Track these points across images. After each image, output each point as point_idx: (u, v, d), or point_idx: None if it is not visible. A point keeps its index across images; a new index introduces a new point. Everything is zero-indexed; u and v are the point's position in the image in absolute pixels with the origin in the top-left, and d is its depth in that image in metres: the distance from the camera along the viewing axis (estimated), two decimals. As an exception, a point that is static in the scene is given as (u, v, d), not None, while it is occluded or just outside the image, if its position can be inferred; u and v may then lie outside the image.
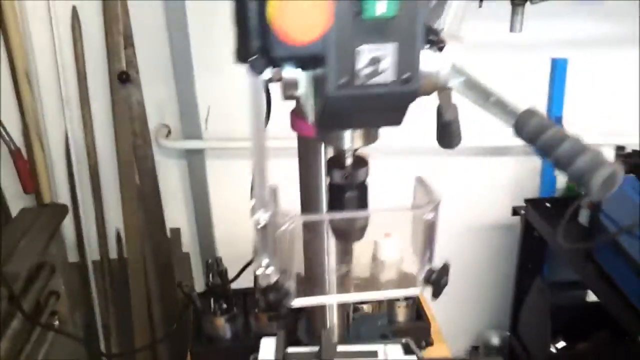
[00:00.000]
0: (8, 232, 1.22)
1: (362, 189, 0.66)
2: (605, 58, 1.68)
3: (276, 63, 0.50)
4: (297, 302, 0.67)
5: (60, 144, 1.72)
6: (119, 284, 1.77)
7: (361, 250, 0.79)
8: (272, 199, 0.62)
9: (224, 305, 1.24)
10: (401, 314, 1.31)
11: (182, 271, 1.79)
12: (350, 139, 0.62)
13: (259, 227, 0.61)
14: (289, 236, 0.62)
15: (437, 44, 0.59)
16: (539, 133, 0.52)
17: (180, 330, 1.36)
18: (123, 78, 1.61)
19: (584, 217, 1.49)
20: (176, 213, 1.85)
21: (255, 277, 0.69)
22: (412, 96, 0.53)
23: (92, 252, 1.77)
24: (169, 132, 1.75)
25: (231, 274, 1.19)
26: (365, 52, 0.48)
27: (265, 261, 0.63)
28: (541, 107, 1.63)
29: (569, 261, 1.46)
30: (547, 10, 1.46)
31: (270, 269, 0.64)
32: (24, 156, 1.65)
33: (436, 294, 0.68)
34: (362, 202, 0.66)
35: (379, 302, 1.22)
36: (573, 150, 0.49)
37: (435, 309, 1.72)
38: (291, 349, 0.88)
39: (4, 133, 1.61)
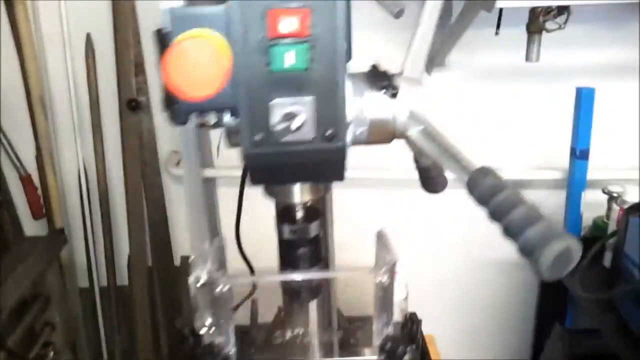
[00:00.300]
0: (5, 262, 1.21)
1: (314, 243, 0.60)
2: (632, 86, 1.57)
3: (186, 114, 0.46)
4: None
5: (73, 170, 1.72)
6: (126, 311, 1.75)
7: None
8: (218, 254, 0.58)
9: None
10: (404, 360, 1.23)
11: (188, 302, 1.76)
12: (297, 192, 0.57)
13: (197, 285, 0.56)
14: (228, 296, 0.57)
15: (391, 89, 0.53)
16: (491, 195, 0.45)
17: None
18: (133, 105, 1.61)
19: (607, 260, 1.38)
20: (186, 241, 1.83)
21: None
22: (340, 154, 0.47)
23: (101, 278, 1.76)
24: (180, 160, 1.74)
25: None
26: (279, 107, 0.43)
27: (206, 321, 0.58)
28: (565, 139, 1.54)
29: (587, 310, 1.35)
30: (567, 37, 1.38)
31: (209, 330, 0.58)
32: (33, 182, 1.66)
33: (398, 360, 0.61)
34: (313, 259, 0.60)
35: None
36: (525, 219, 0.42)
37: (450, 348, 1.64)
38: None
39: (14, 159, 1.62)
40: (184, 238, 1.83)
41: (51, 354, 1.30)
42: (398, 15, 0.75)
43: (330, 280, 0.63)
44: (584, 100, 1.49)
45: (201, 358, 0.59)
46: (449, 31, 1.31)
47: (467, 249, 1.85)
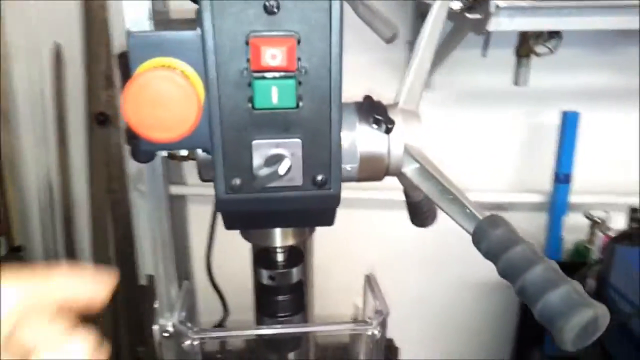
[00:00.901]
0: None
1: (295, 290, 0.54)
2: (617, 111, 1.56)
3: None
4: None
5: (35, 184, 1.63)
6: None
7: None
8: (187, 299, 0.51)
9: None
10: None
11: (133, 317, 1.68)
12: (278, 236, 0.51)
13: (164, 335, 0.50)
14: (197, 352, 0.50)
15: (385, 123, 0.47)
16: (503, 249, 0.40)
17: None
18: (101, 119, 1.53)
19: (590, 287, 1.34)
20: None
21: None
22: (332, 201, 0.41)
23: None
24: (150, 176, 1.66)
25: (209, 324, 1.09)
26: (261, 149, 0.37)
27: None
28: (549, 164, 1.51)
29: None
30: (555, 61, 1.36)
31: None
32: (-7, 197, 1.57)
33: None
34: (295, 307, 0.54)
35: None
36: (545, 280, 0.37)
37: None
38: None
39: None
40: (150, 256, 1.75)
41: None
42: (391, 40, 0.70)
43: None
44: (568, 124, 1.47)
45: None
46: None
47: (445, 270, 1.81)
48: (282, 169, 0.36)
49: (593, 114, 1.49)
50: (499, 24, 0.99)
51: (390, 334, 0.66)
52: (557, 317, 0.35)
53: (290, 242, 0.51)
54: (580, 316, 0.34)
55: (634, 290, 1.09)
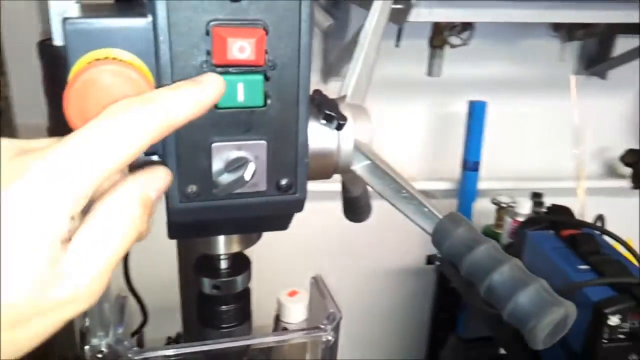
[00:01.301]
0: None
1: (241, 298, 0.51)
2: (523, 101, 1.64)
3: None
4: None
5: None
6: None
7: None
8: (119, 317, 0.46)
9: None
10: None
11: (63, 336, 1.56)
12: (223, 244, 0.47)
13: (98, 357, 0.45)
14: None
15: (337, 119, 0.45)
16: (466, 250, 0.39)
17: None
18: (-12, 111, 1.38)
19: (500, 270, 1.41)
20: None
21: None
22: (296, 206, 0.38)
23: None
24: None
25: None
26: (222, 152, 0.34)
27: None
28: (458, 151, 1.57)
29: (484, 318, 1.37)
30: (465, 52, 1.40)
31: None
32: None
33: None
34: (240, 316, 0.51)
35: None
36: (513, 280, 0.37)
37: (347, 354, 1.60)
38: None
39: None
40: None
41: None
42: (328, 29, 0.67)
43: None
44: (476, 113, 1.53)
45: None
46: (350, 40, 1.26)
47: (356, 261, 1.83)
48: (247, 174, 0.33)
49: (500, 103, 1.56)
50: (418, 14, 1.01)
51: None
52: (529, 317, 0.35)
53: (236, 249, 0.47)
54: (552, 316, 0.34)
55: (544, 271, 1.16)
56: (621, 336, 0.98)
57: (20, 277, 0.24)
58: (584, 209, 1.44)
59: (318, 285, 0.56)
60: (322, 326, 0.50)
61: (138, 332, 0.97)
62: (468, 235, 0.40)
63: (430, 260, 1.60)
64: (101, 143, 0.26)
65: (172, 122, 0.28)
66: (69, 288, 0.25)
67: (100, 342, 0.44)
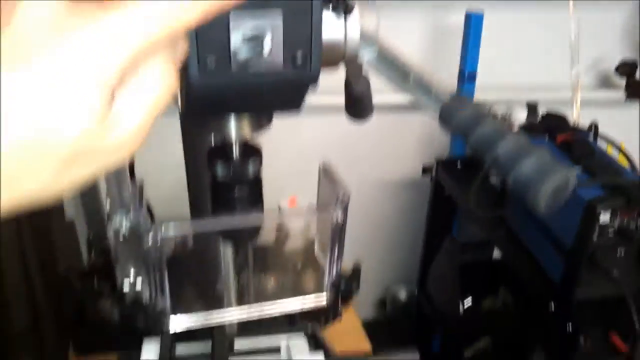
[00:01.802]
0: None
1: (254, 185, 0.53)
2: (521, 12, 1.62)
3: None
4: (177, 325, 0.55)
5: None
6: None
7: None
8: (137, 199, 0.48)
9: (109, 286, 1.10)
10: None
11: (66, 243, 1.60)
12: (236, 127, 0.49)
13: (120, 237, 0.47)
14: (159, 247, 0.48)
15: (343, 5, 0.45)
16: (472, 126, 0.41)
17: (68, 312, 1.21)
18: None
19: (495, 178, 1.45)
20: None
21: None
22: (311, 80, 0.40)
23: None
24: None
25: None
26: (240, 23, 0.34)
27: (131, 276, 0.50)
28: (455, 63, 1.56)
29: (478, 223, 1.42)
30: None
31: (138, 286, 0.50)
32: None
33: (345, 301, 0.58)
34: (253, 201, 0.53)
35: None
36: (516, 150, 0.39)
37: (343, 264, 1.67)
38: (180, 347, 0.75)
39: None
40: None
41: None
42: None
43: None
44: (473, 25, 1.51)
45: (131, 317, 0.51)
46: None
47: (356, 171, 1.86)
48: (266, 46, 0.34)
49: (497, 14, 1.54)
50: None
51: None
52: (532, 182, 0.37)
53: (247, 134, 0.49)
54: (554, 180, 0.37)
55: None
56: (611, 233, 1.03)
57: (80, 113, 0.26)
58: (579, 120, 1.46)
59: (326, 171, 0.58)
60: (331, 206, 0.52)
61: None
62: (473, 112, 0.41)
63: (425, 170, 1.63)
64: (157, 11, 0.27)
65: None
66: (119, 133, 0.28)
67: (122, 224, 0.47)
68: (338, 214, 0.53)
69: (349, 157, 1.82)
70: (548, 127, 1.22)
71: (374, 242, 2.06)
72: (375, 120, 1.88)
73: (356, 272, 0.59)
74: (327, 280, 0.57)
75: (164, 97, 0.29)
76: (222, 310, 0.62)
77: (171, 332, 0.54)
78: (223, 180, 0.51)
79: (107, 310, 1.13)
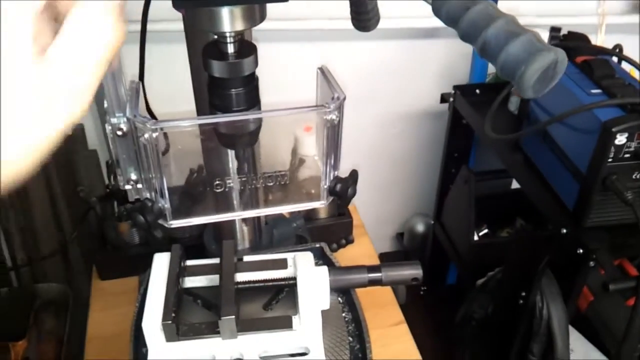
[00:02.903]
0: None
1: (249, 82, 0.53)
2: None
3: None
4: (175, 222, 0.56)
5: None
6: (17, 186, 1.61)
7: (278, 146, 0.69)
8: (134, 99, 0.49)
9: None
10: (322, 212, 1.24)
11: (88, 171, 1.64)
12: (228, 20, 0.48)
13: (118, 134, 0.48)
14: (155, 144, 0.49)
15: None
16: (462, 11, 0.40)
17: (91, 234, 1.25)
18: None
19: (513, 104, 1.42)
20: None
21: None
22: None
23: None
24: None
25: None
26: None
27: (132, 175, 0.51)
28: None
29: (495, 150, 1.41)
30: None
31: (136, 185, 0.52)
32: None
33: (343, 205, 0.58)
34: (249, 100, 0.53)
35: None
36: (504, 33, 0.38)
37: (361, 198, 1.68)
38: (190, 262, 0.78)
39: None
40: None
41: None
42: None
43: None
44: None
45: (131, 216, 0.53)
46: None
47: (375, 101, 1.85)
48: None
49: None
50: None
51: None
52: (519, 64, 0.36)
53: (240, 27, 0.48)
54: (541, 60, 0.36)
55: (554, 96, 1.16)
56: (627, 155, 1.01)
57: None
58: (603, 43, 1.40)
59: (324, 75, 0.58)
60: (327, 105, 0.52)
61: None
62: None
63: (443, 98, 1.61)
64: None
65: None
66: (58, 74, 0.29)
67: (120, 120, 0.48)
68: (333, 114, 0.52)
69: (367, 90, 1.80)
70: (569, 46, 1.18)
71: (394, 176, 2.07)
72: (394, 49, 1.85)
73: (353, 175, 0.59)
74: (323, 182, 0.57)
75: (103, 47, 0.30)
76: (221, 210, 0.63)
77: (173, 226, 0.56)
78: (219, 76, 0.51)
79: (127, 232, 1.17)
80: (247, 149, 0.58)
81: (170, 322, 0.61)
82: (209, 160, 0.61)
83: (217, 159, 0.60)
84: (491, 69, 1.67)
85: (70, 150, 1.61)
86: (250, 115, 0.52)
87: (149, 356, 0.64)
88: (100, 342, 1.02)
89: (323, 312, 0.70)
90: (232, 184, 0.60)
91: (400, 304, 1.12)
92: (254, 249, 0.92)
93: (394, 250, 2.27)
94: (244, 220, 0.85)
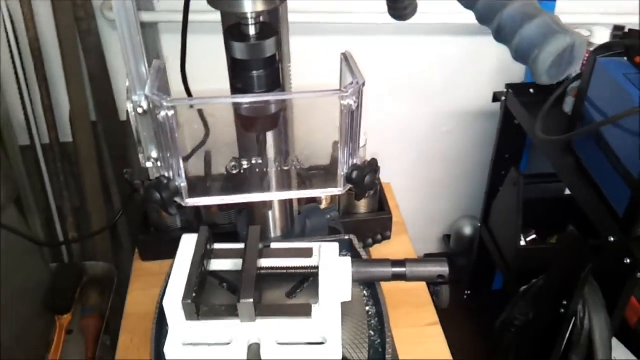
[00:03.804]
0: None
1: (270, 65, 0.52)
2: None
3: None
4: (191, 201, 0.57)
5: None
6: (72, 168, 1.68)
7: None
8: (157, 78, 0.50)
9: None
10: (361, 206, 1.23)
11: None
12: (250, 1, 0.48)
13: (139, 112, 0.49)
14: (172, 123, 0.49)
15: None
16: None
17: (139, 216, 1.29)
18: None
19: (568, 105, 1.36)
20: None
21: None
22: None
23: (43, 136, 1.66)
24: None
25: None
26: None
27: (152, 153, 0.52)
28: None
29: (546, 152, 1.35)
30: None
31: (157, 163, 0.52)
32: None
33: (360, 195, 0.57)
34: (270, 83, 0.53)
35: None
36: (520, 15, 0.36)
37: (408, 196, 1.66)
38: (217, 246, 0.79)
39: None
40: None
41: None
42: None
43: (289, 107, 0.56)
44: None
45: (149, 192, 0.53)
46: None
47: (427, 102, 1.81)
48: None
49: None
50: None
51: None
52: (533, 47, 0.34)
53: (260, 7, 0.48)
54: (556, 43, 0.34)
55: (609, 97, 1.11)
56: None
57: None
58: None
59: (347, 61, 0.56)
60: (344, 89, 0.51)
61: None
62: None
63: (496, 97, 1.56)
64: None
65: None
66: None
67: (140, 98, 0.48)
68: (351, 100, 0.51)
69: (421, 88, 1.77)
70: (628, 45, 1.12)
71: (443, 175, 2.03)
72: (449, 45, 1.81)
73: (372, 164, 0.58)
74: (340, 169, 0.56)
75: None
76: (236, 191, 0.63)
77: (189, 204, 0.56)
78: (240, 58, 0.51)
79: (168, 216, 1.19)
80: (267, 133, 0.58)
81: (189, 301, 0.62)
82: (226, 142, 0.61)
83: (239, 140, 0.60)
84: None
85: (123, 136, 1.67)
86: (268, 97, 0.52)
87: (169, 334, 0.65)
88: (135, 319, 1.05)
89: (346, 303, 0.69)
90: (248, 166, 0.60)
91: (443, 307, 1.10)
92: (286, 237, 0.92)
93: (439, 252, 2.22)
94: (276, 207, 0.85)
